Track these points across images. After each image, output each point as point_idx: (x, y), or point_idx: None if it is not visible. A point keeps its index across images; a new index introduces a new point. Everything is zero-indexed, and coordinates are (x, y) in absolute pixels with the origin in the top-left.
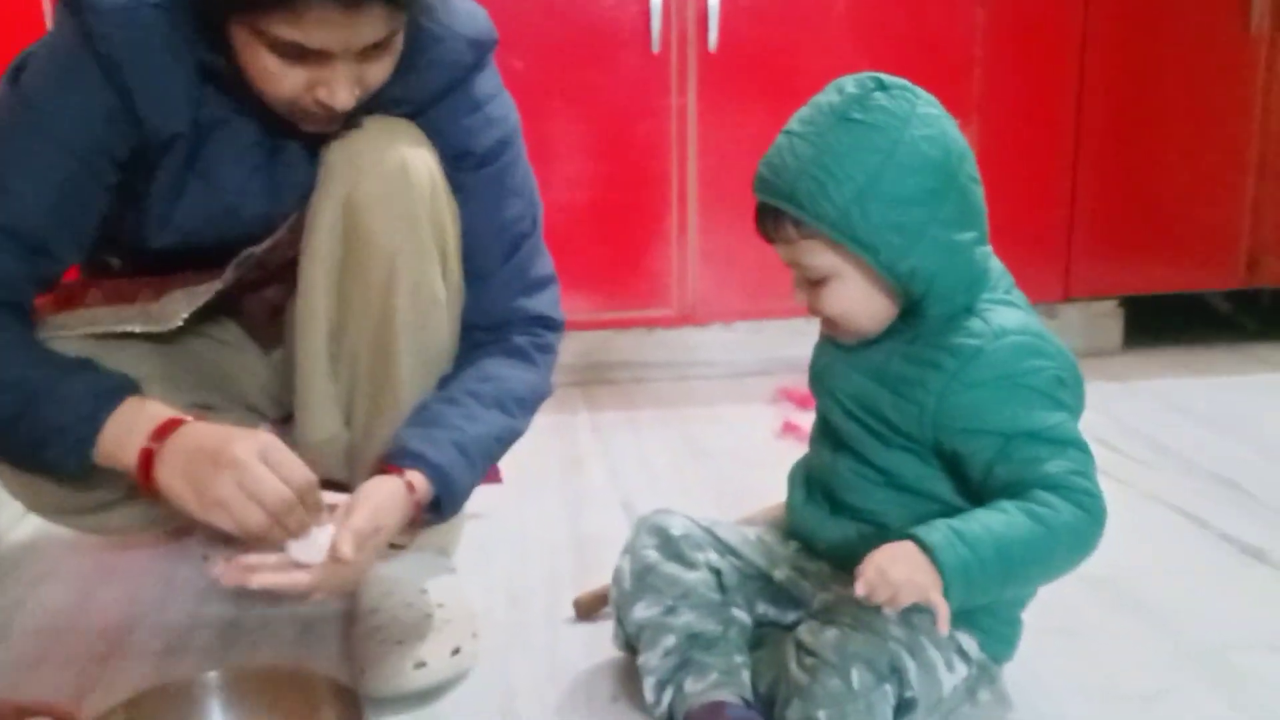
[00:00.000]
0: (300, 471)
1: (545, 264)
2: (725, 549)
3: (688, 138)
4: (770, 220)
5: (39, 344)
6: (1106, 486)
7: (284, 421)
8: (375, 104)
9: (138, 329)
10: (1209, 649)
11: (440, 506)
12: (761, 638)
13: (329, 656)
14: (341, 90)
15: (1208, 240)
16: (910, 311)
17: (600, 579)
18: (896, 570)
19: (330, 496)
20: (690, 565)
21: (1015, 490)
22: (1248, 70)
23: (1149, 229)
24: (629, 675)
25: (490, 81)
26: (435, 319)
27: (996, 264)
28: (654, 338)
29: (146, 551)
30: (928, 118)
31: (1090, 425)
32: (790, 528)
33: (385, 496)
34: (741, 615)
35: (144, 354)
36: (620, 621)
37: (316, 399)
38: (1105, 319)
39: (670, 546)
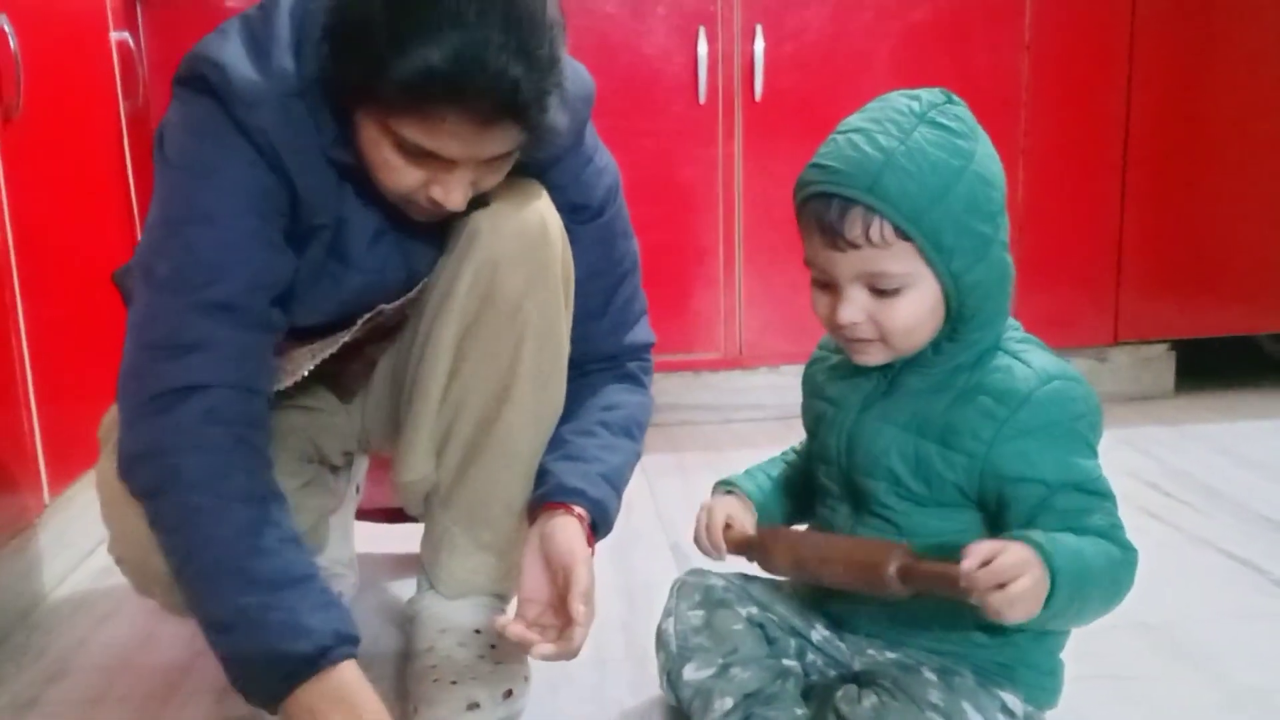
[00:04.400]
0: None
1: (643, 295)
2: (764, 604)
3: (734, 184)
4: (838, 223)
5: (274, 504)
6: (1157, 530)
7: (342, 467)
8: None
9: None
10: (1259, 693)
11: (596, 535)
12: (809, 689)
13: (383, 695)
14: (456, 193)
15: (1258, 282)
16: (943, 338)
17: (649, 620)
18: (1014, 570)
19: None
20: (735, 621)
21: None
22: None
23: (1199, 271)
24: (677, 716)
25: (593, 134)
26: (557, 370)
27: None
28: (701, 381)
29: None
30: (988, 139)
31: (1141, 469)
32: (815, 598)
33: (578, 535)
34: (794, 665)
35: None
36: (671, 685)
37: (423, 441)
38: (1156, 362)
39: (712, 604)
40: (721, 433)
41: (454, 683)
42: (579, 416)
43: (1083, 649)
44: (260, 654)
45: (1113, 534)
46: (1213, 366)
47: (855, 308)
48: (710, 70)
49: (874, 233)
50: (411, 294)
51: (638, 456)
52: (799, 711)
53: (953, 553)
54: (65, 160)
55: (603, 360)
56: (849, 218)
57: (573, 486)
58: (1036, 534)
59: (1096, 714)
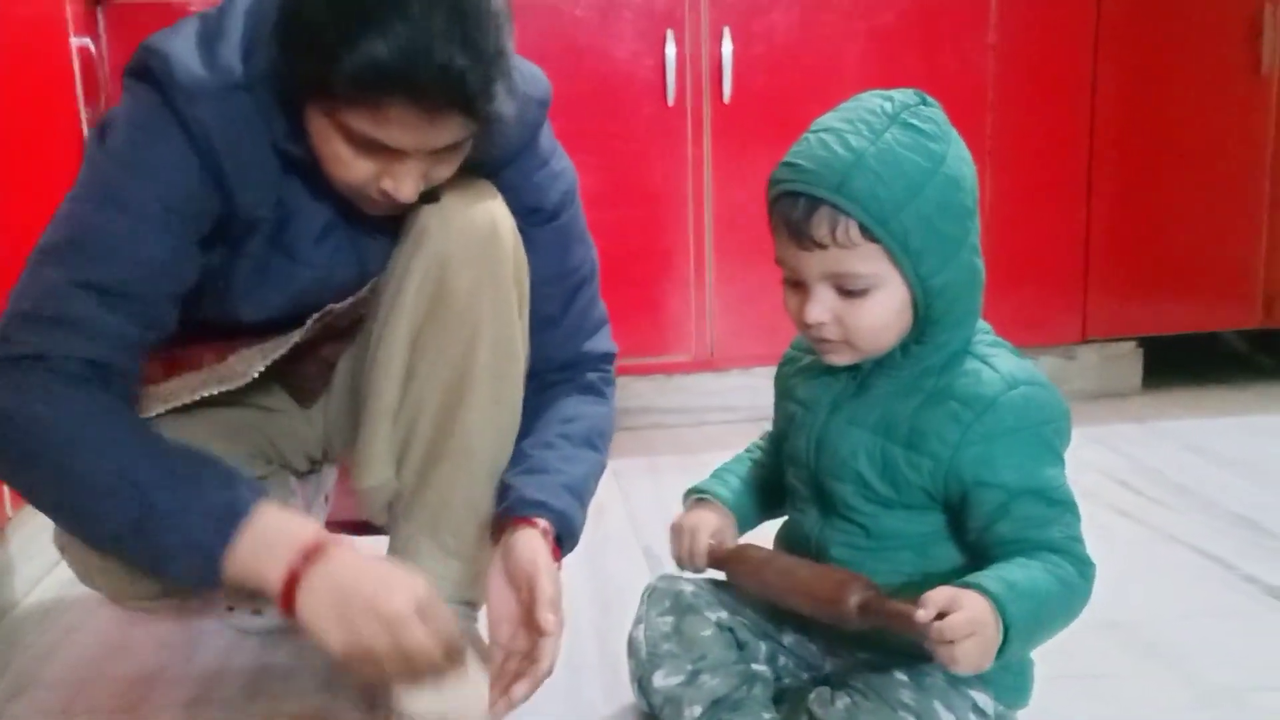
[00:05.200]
0: (452, 628)
1: (602, 304)
2: (734, 608)
3: (704, 186)
4: (805, 223)
5: (150, 431)
6: (1127, 528)
7: (308, 473)
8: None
9: (213, 391)
10: (1230, 691)
11: (561, 548)
12: (781, 693)
13: (354, 705)
14: (407, 184)
15: (1224, 280)
16: (911, 340)
17: (622, 625)
18: (966, 628)
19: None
20: (704, 626)
21: (1019, 548)
22: (1259, 111)
23: (1165, 270)
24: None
25: (549, 136)
26: (512, 372)
27: None
28: (673, 383)
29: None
30: (961, 141)
31: (1110, 466)
32: None
33: (543, 553)
34: (762, 670)
35: (211, 434)
36: (642, 692)
37: (379, 445)
38: (1124, 360)
39: (682, 610)
40: (694, 435)
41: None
42: (538, 430)
43: (1053, 647)
44: (174, 541)
45: (1070, 548)
46: (1180, 363)
47: (822, 307)
48: (679, 72)
49: (840, 233)
50: (362, 292)
51: (602, 467)
52: (767, 716)
53: (918, 589)
54: (25, 165)
55: (561, 369)
56: (816, 217)
57: (534, 499)
58: (994, 582)
59: (1068, 712)
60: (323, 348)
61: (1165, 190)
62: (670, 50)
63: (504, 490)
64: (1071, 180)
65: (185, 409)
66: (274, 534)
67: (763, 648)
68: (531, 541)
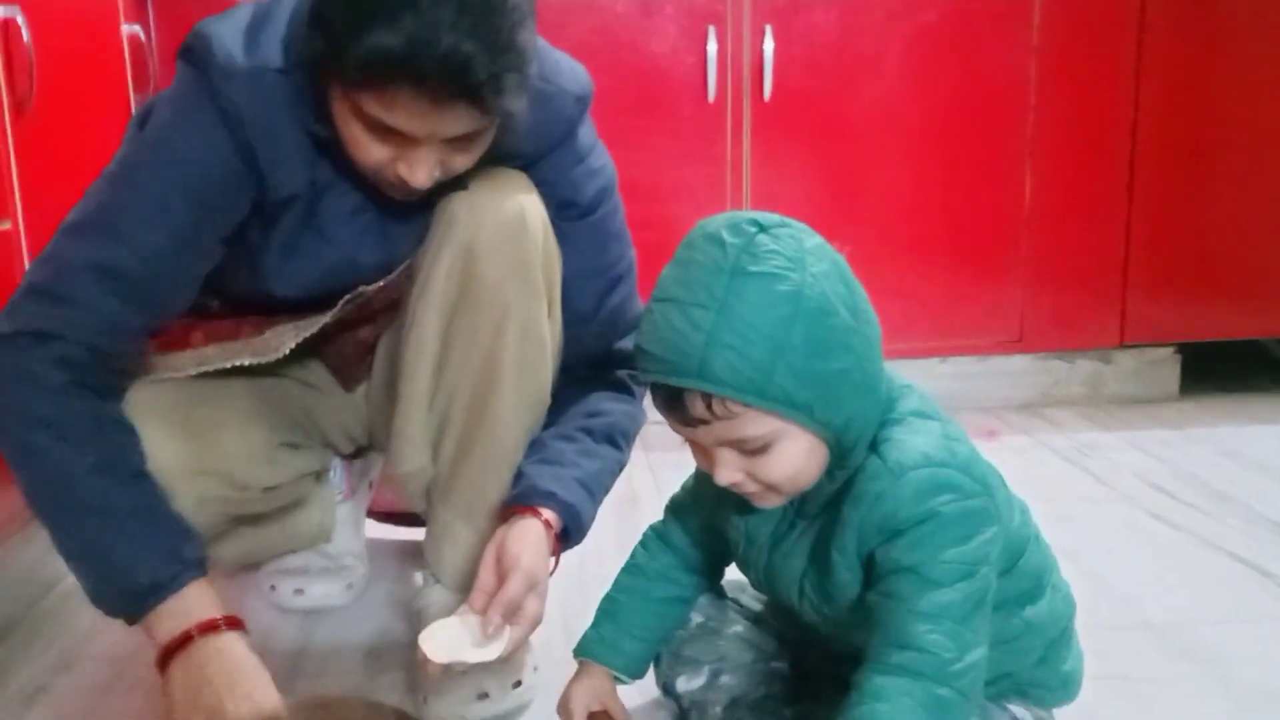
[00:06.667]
0: None
1: (639, 303)
2: (751, 613)
3: (742, 184)
4: (678, 404)
5: (116, 441)
6: (1164, 533)
7: (355, 456)
8: (488, 157)
9: (246, 361)
10: (1267, 695)
11: (568, 540)
12: (798, 692)
13: (393, 685)
14: (420, 171)
15: (1265, 285)
16: (833, 466)
17: None
18: None
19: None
20: (723, 629)
21: (879, 638)
22: None
23: (1205, 275)
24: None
25: (590, 133)
26: (540, 361)
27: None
28: None
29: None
30: (817, 250)
31: (1146, 470)
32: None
33: (534, 541)
34: (781, 667)
35: (242, 393)
36: (667, 694)
37: (414, 431)
38: (1161, 365)
39: (700, 615)
40: None
41: (463, 673)
42: (561, 422)
43: (1089, 648)
44: (105, 582)
45: (938, 665)
46: (1217, 370)
47: (730, 469)
48: (719, 70)
49: (719, 408)
50: (393, 276)
51: (621, 465)
52: (786, 712)
53: None
54: (76, 153)
55: (592, 365)
56: (688, 399)
57: (545, 489)
58: None
59: (1105, 714)
60: (360, 329)
61: (1207, 195)
62: (712, 47)
63: (517, 477)
64: (1112, 183)
65: (225, 372)
66: (193, 604)
67: (780, 649)
68: (528, 533)
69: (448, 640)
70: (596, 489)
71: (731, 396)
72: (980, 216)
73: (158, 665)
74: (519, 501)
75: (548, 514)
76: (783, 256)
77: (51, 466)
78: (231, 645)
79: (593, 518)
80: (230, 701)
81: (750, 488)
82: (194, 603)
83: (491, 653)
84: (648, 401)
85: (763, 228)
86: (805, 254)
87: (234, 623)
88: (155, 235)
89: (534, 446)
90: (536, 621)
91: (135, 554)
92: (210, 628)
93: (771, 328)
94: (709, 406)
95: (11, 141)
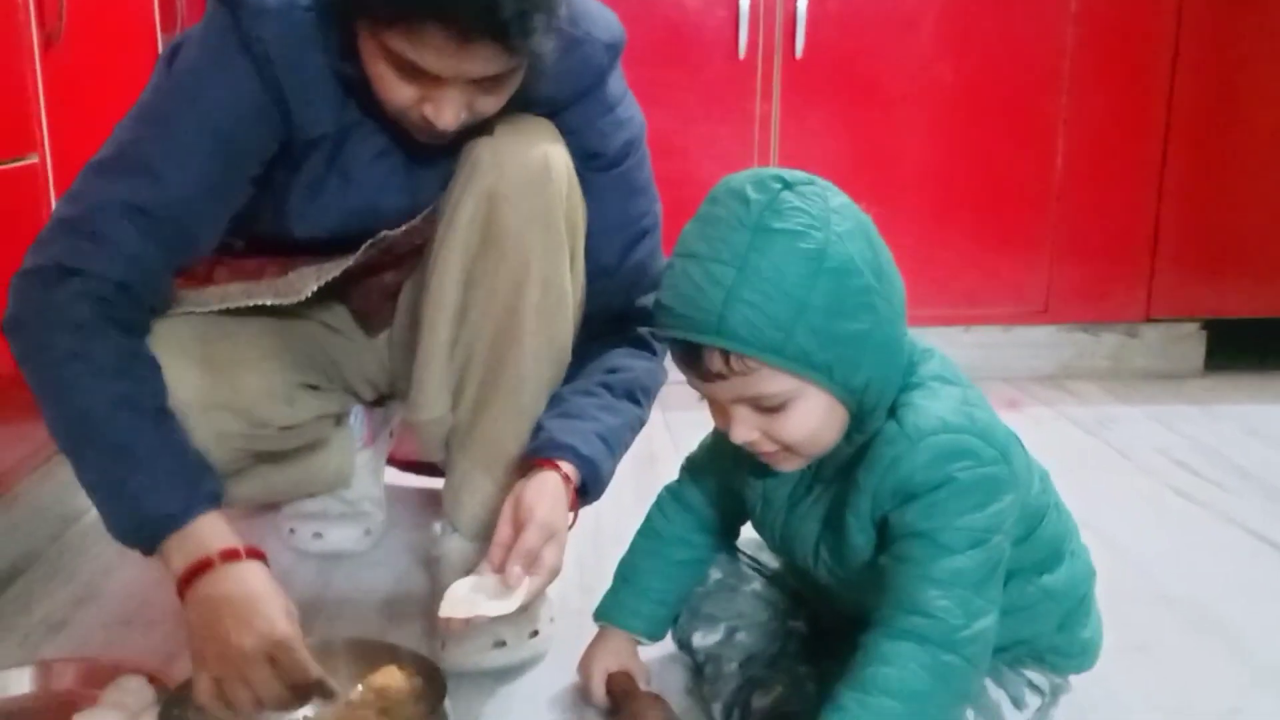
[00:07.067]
0: (304, 672)
1: (663, 259)
2: (769, 571)
3: (770, 142)
4: (696, 359)
5: (140, 375)
6: (1185, 508)
7: (376, 403)
8: (514, 104)
9: (268, 301)
10: None
11: (586, 494)
12: (813, 650)
13: (412, 633)
14: (447, 112)
15: None
16: (852, 429)
17: None
18: None
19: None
20: (740, 586)
21: (889, 601)
22: None
23: (1234, 252)
24: (696, 669)
25: (619, 83)
26: (561, 311)
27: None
28: None
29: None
30: (843, 209)
31: (1168, 445)
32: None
33: (552, 493)
34: (798, 626)
35: (264, 331)
36: (682, 648)
37: (433, 379)
38: (1187, 340)
39: (718, 572)
40: None
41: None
42: (581, 377)
43: (1110, 619)
44: (120, 512)
45: (945, 631)
46: (1243, 347)
47: (746, 427)
48: (751, 26)
49: (736, 364)
50: (416, 221)
51: (641, 422)
52: (801, 669)
53: None
54: (104, 88)
55: (614, 320)
56: (706, 355)
57: (564, 443)
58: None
59: (1123, 685)
60: (384, 274)
61: (1239, 172)
62: (744, 2)
63: (536, 431)
64: (1145, 157)
65: (248, 311)
66: (209, 535)
67: (797, 607)
68: (546, 485)
69: (466, 597)
70: (616, 444)
71: (750, 354)
72: (1010, 184)
73: (178, 592)
74: (537, 454)
75: (566, 467)
76: (807, 214)
77: (75, 399)
78: (251, 572)
79: (612, 473)
80: (249, 624)
81: (767, 447)
82: (208, 534)
83: (510, 605)
84: (668, 361)
85: (788, 184)
86: (830, 213)
87: (255, 552)
88: (185, 175)
89: (554, 401)
90: (555, 572)
91: (151, 485)
92: (232, 555)
93: (793, 286)
94: (726, 362)
95: (40, 75)
